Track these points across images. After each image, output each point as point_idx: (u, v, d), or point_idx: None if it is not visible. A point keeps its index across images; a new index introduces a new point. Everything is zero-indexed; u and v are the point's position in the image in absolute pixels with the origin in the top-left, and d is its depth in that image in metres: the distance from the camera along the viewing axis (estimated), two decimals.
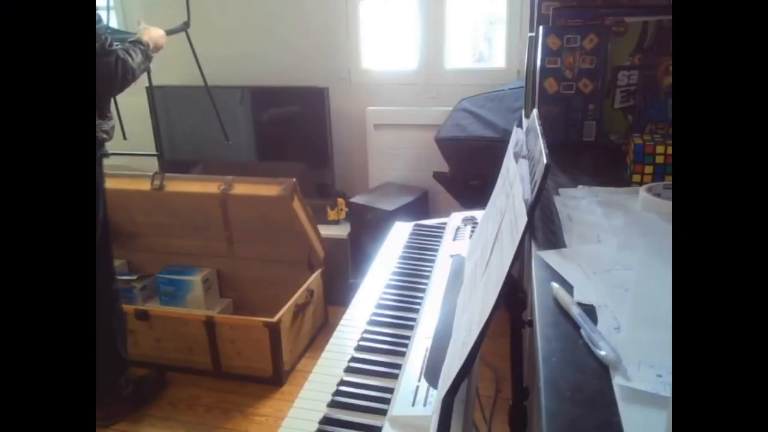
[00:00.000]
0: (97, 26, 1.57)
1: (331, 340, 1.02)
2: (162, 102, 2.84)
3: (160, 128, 2.86)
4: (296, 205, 2.20)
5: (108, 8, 2.16)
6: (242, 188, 2.24)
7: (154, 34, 1.81)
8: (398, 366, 0.90)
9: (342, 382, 0.90)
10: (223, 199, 2.25)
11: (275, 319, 2.08)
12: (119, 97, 1.81)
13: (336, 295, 2.56)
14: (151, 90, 2.72)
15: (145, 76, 1.86)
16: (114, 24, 2.80)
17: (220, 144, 2.47)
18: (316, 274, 2.43)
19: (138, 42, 1.72)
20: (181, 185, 2.32)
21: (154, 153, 2.88)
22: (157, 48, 1.82)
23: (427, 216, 2.50)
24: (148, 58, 1.74)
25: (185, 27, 2.04)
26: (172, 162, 2.94)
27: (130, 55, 1.64)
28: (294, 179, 2.18)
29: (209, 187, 2.27)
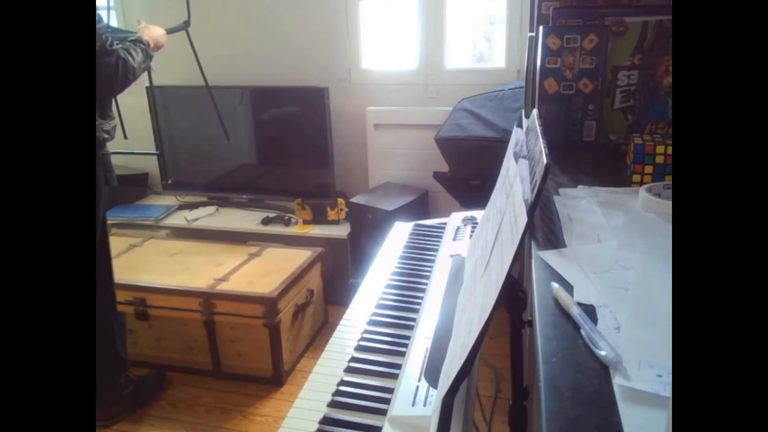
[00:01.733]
0: (98, 26, 1.57)
1: (331, 340, 1.02)
2: (162, 102, 2.84)
3: (160, 128, 2.86)
4: (282, 306, 2.14)
5: (108, 8, 2.16)
6: (225, 307, 2.12)
7: (154, 32, 1.81)
8: (398, 366, 0.90)
9: (342, 382, 0.90)
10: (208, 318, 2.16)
11: (275, 319, 2.08)
12: (119, 97, 1.81)
13: (336, 295, 2.56)
14: (151, 89, 2.72)
15: (145, 75, 1.86)
16: (114, 23, 2.81)
17: (221, 144, 2.47)
18: (317, 274, 2.43)
19: (139, 41, 1.72)
20: (160, 300, 2.19)
21: (155, 152, 2.88)
22: (158, 47, 1.82)
23: (427, 216, 2.51)
24: (148, 57, 1.74)
25: (185, 26, 2.04)
26: (171, 160, 2.94)
27: (131, 55, 1.64)
28: (274, 295, 2.06)
29: (190, 303, 2.14)
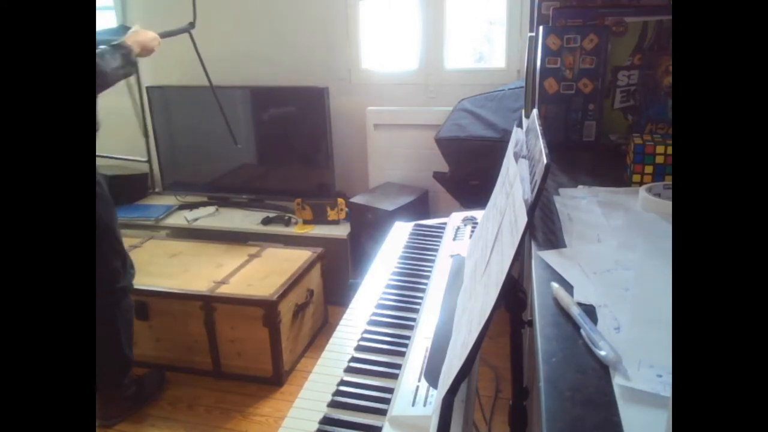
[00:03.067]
0: None
1: (331, 340, 1.02)
2: (162, 102, 2.84)
3: (155, 128, 2.85)
4: (282, 309, 2.14)
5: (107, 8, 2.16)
6: (225, 310, 2.13)
7: (142, 37, 1.78)
8: (398, 366, 0.90)
9: (342, 382, 0.90)
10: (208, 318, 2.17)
11: (275, 320, 2.08)
12: (117, 97, 1.80)
13: (336, 295, 2.56)
14: (140, 92, 2.71)
15: (135, 80, 1.84)
16: (113, 23, 2.81)
17: (221, 144, 2.47)
18: (317, 274, 2.43)
19: (119, 46, 1.69)
20: (160, 303, 2.19)
21: (143, 159, 2.86)
22: (147, 51, 1.79)
23: (427, 216, 2.50)
24: (129, 62, 1.71)
25: (190, 27, 2.03)
26: (171, 160, 2.94)
27: (104, 59, 1.62)
28: (274, 298, 2.07)
29: (190, 306, 2.15)
